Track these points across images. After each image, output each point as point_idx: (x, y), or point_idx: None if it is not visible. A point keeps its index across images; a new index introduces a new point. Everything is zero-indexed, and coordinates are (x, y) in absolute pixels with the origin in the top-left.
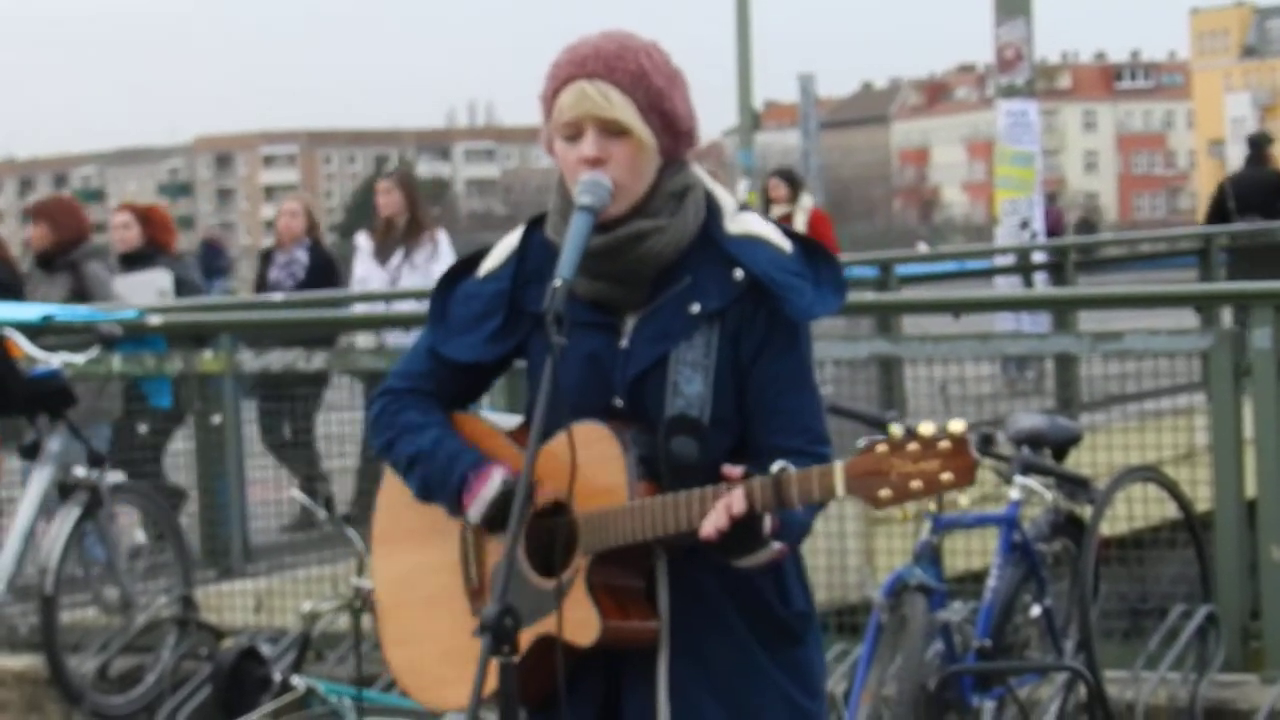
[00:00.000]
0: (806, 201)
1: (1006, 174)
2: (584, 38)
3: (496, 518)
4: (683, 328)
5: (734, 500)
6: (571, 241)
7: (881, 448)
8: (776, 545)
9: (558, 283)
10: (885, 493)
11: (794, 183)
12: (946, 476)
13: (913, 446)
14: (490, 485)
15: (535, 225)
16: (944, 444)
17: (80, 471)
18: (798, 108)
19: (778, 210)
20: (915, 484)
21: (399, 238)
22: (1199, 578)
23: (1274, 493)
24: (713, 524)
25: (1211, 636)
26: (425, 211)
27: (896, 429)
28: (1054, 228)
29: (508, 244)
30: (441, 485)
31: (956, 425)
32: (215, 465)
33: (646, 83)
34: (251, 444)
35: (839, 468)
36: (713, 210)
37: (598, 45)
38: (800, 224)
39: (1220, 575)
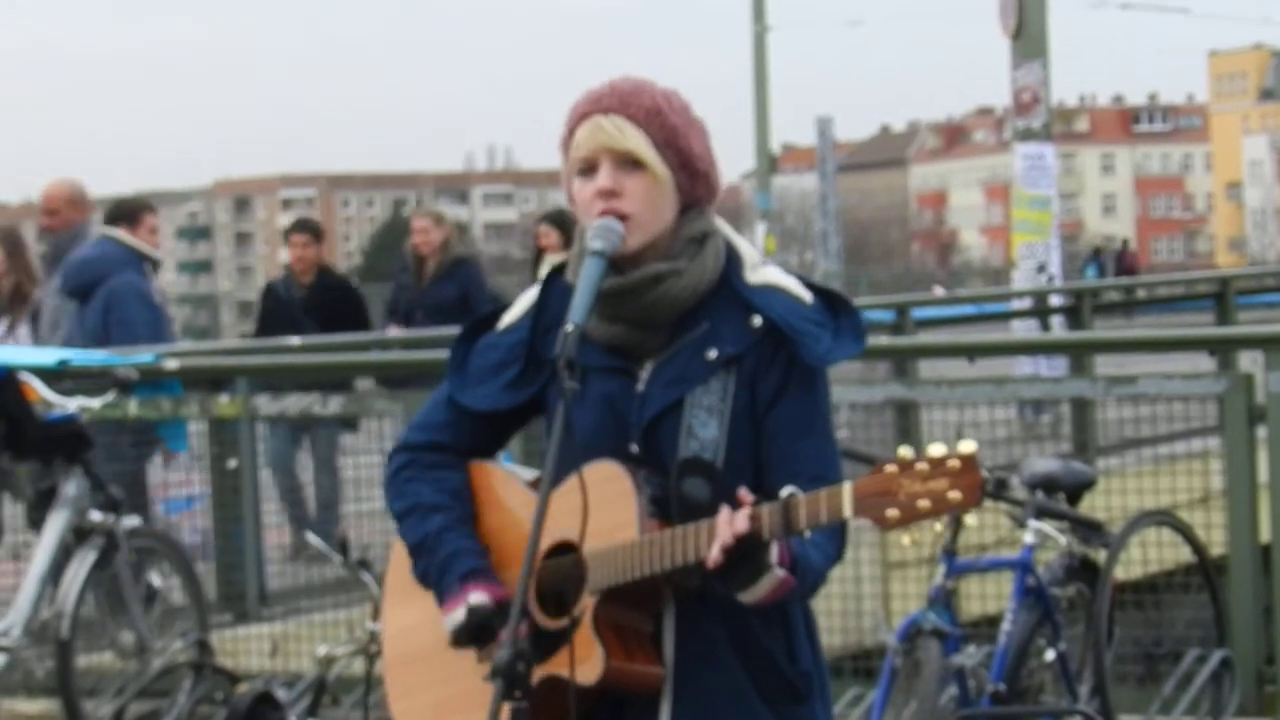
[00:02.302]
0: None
1: (1023, 217)
2: (599, 82)
3: (462, 642)
4: (699, 372)
5: (738, 519)
6: (583, 287)
7: (890, 468)
8: (780, 573)
9: (569, 328)
10: (893, 512)
11: (565, 229)
12: (954, 495)
13: (921, 466)
14: (456, 612)
15: (557, 273)
16: (952, 463)
17: (96, 516)
18: (815, 151)
19: (551, 259)
20: (923, 503)
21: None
22: (1213, 622)
23: None
24: (718, 544)
25: (1226, 681)
26: (32, 275)
27: (905, 450)
28: (1130, 268)
29: (529, 296)
30: (436, 584)
31: (966, 445)
32: (232, 509)
33: (662, 119)
34: (268, 488)
35: (847, 487)
36: (734, 260)
37: (614, 83)
38: None
39: (1235, 620)
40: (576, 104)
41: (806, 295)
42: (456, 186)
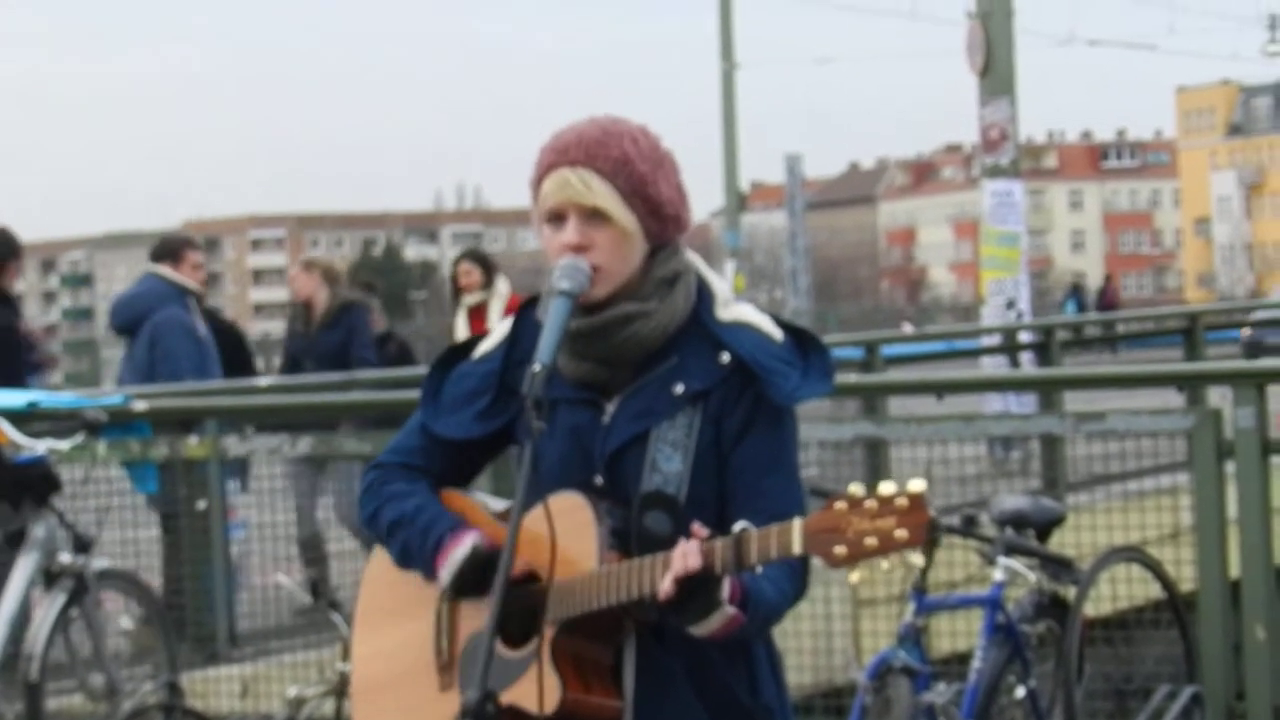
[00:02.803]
0: (503, 287)
1: (992, 254)
2: (570, 125)
3: (466, 580)
4: (665, 407)
5: (690, 553)
6: (550, 326)
7: (840, 505)
8: (730, 610)
9: (535, 368)
10: (840, 550)
11: (487, 267)
12: (901, 534)
13: (870, 504)
14: (461, 547)
15: (529, 307)
16: (900, 501)
17: (65, 558)
18: (784, 188)
19: (471, 299)
20: (870, 541)
21: None
22: (1184, 658)
23: (1258, 572)
24: (670, 577)
25: (1197, 717)
26: None
27: (856, 487)
28: (1112, 303)
29: (503, 328)
30: (419, 548)
31: (915, 484)
32: (201, 550)
33: (629, 169)
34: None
35: (797, 524)
36: (704, 297)
37: (581, 132)
38: (497, 312)
39: (1205, 655)
40: (544, 152)
41: (777, 333)
42: (426, 226)
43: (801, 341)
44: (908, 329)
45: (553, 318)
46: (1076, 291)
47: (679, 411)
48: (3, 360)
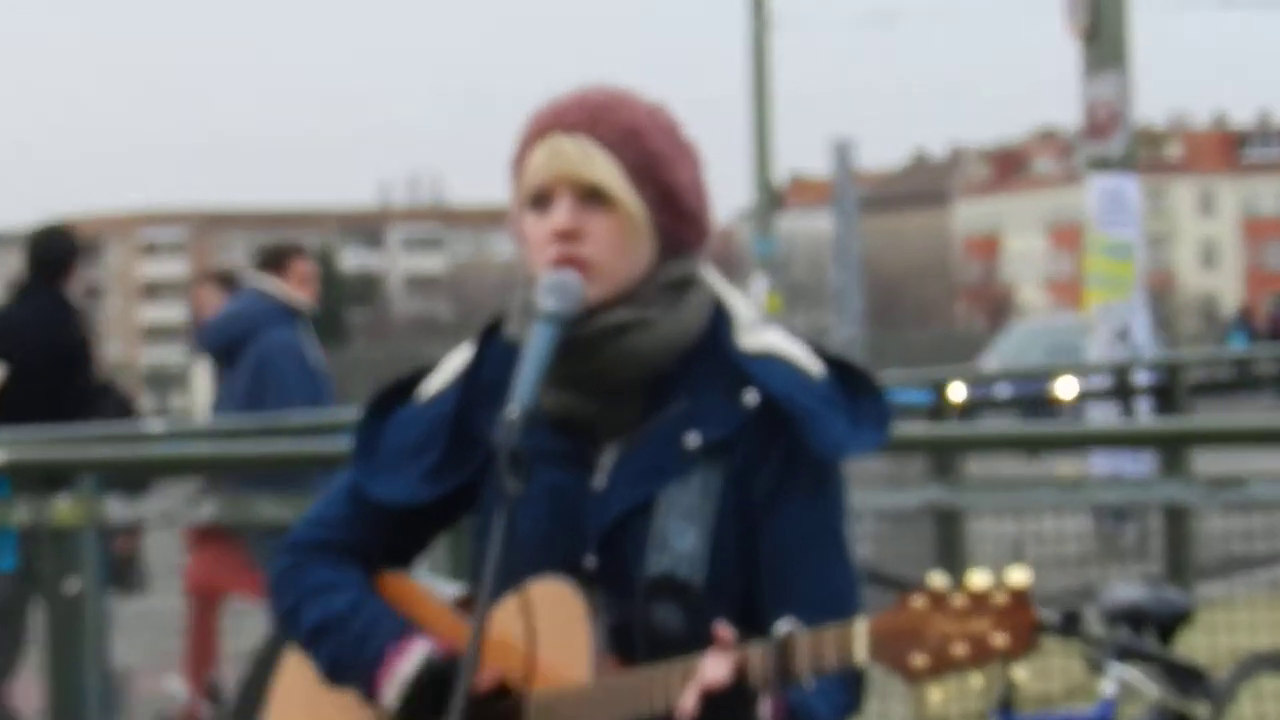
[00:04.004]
0: None
1: (1099, 269)
2: (567, 90)
3: (418, 702)
4: (675, 464)
5: (717, 667)
6: (531, 359)
7: (918, 602)
8: None
9: (513, 412)
10: (920, 659)
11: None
12: (1000, 640)
13: (959, 602)
14: (409, 660)
15: (493, 331)
16: (999, 598)
17: None
18: (831, 183)
19: None
20: (959, 649)
21: None
22: None
23: None
24: (692, 694)
25: None
26: None
27: (939, 579)
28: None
29: (457, 360)
30: (353, 660)
31: (1016, 575)
32: (72, 645)
33: (641, 142)
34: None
35: (861, 626)
36: (724, 319)
37: (583, 95)
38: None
39: None
40: (535, 116)
41: (816, 367)
42: (369, 227)
43: (848, 378)
44: (991, 365)
45: (535, 347)
46: (1245, 319)
47: (693, 469)
48: (67, 382)
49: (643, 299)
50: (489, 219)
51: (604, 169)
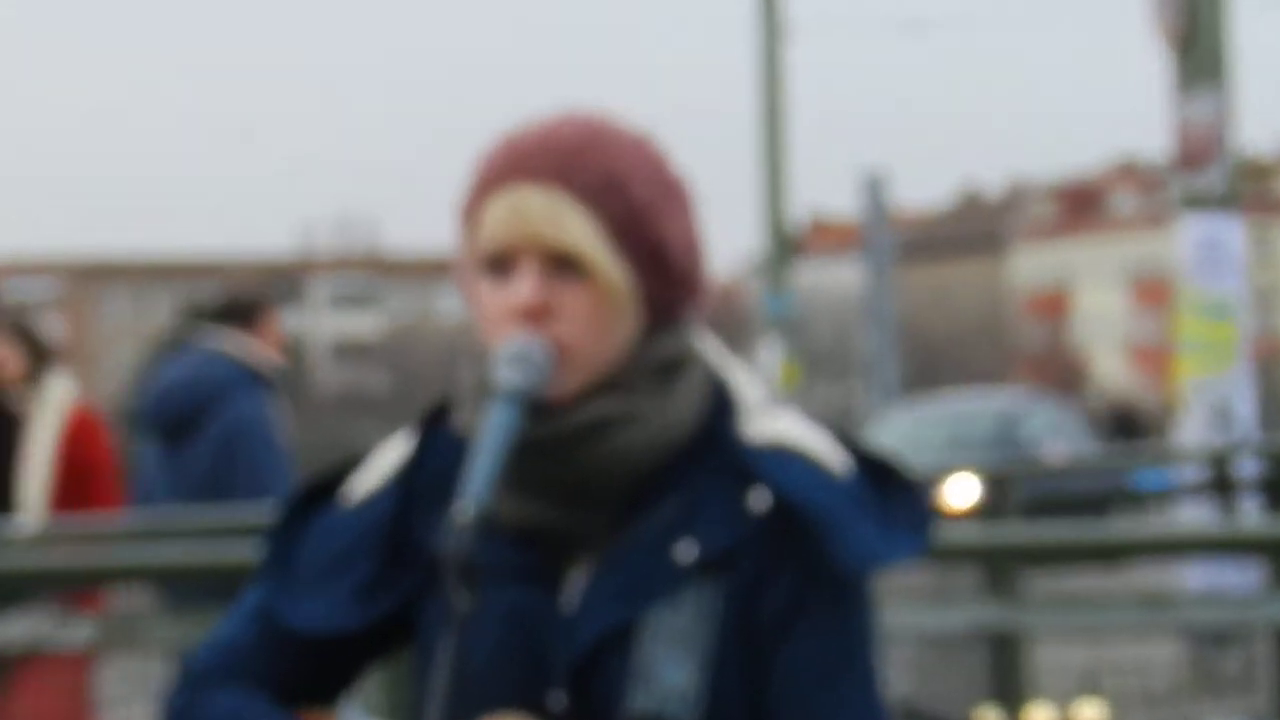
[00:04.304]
0: (60, 390)
1: (1195, 332)
2: (532, 121)
3: None
4: (664, 581)
5: None
6: (487, 446)
7: None
8: None
9: (464, 512)
10: None
11: (39, 351)
12: None
13: None
14: None
15: (437, 419)
16: None
17: None
18: (860, 226)
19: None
20: None
21: None
22: None
23: None
24: None
25: None
26: None
27: (992, 717)
28: None
29: (393, 454)
30: None
31: (1090, 713)
32: None
33: (625, 193)
34: None
35: None
36: (724, 402)
37: (552, 132)
38: (44, 437)
39: None
40: (491, 157)
41: (839, 460)
42: (287, 279)
43: (880, 474)
44: (1058, 451)
45: (491, 435)
46: None
47: (685, 587)
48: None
49: (626, 386)
50: (434, 270)
51: (578, 231)
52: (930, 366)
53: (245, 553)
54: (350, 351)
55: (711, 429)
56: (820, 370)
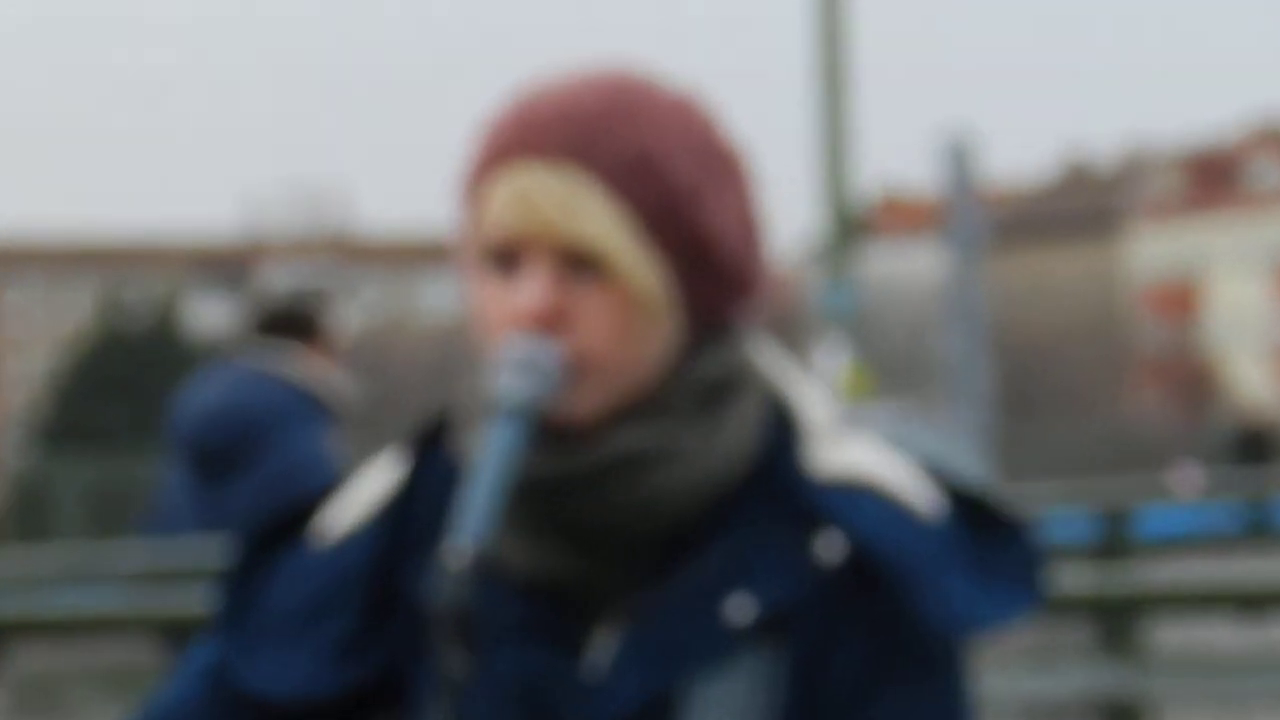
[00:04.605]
0: None
1: None
2: (548, 82)
3: None
4: (712, 643)
5: None
6: (486, 474)
7: None
8: None
9: (458, 552)
10: None
11: None
12: None
13: None
14: None
15: (433, 437)
16: None
17: None
18: (941, 203)
19: None
20: None
21: None
22: None
23: None
24: None
25: None
26: None
27: None
28: None
29: (376, 483)
30: None
31: None
32: None
33: (660, 174)
34: None
35: None
36: (785, 427)
37: (570, 98)
38: None
39: None
40: (495, 127)
41: (926, 496)
42: (231, 265)
43: (977, 515)
44: (1187, 479)
45: (492, 459)
46: None
47: (738, 651)
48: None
49: (663, 411)
50: (418, 257)
51: (600, 222)
52: (1028, 373)
53: (189, 602)
54: None
55: (770, 461)
56: (892, 378)
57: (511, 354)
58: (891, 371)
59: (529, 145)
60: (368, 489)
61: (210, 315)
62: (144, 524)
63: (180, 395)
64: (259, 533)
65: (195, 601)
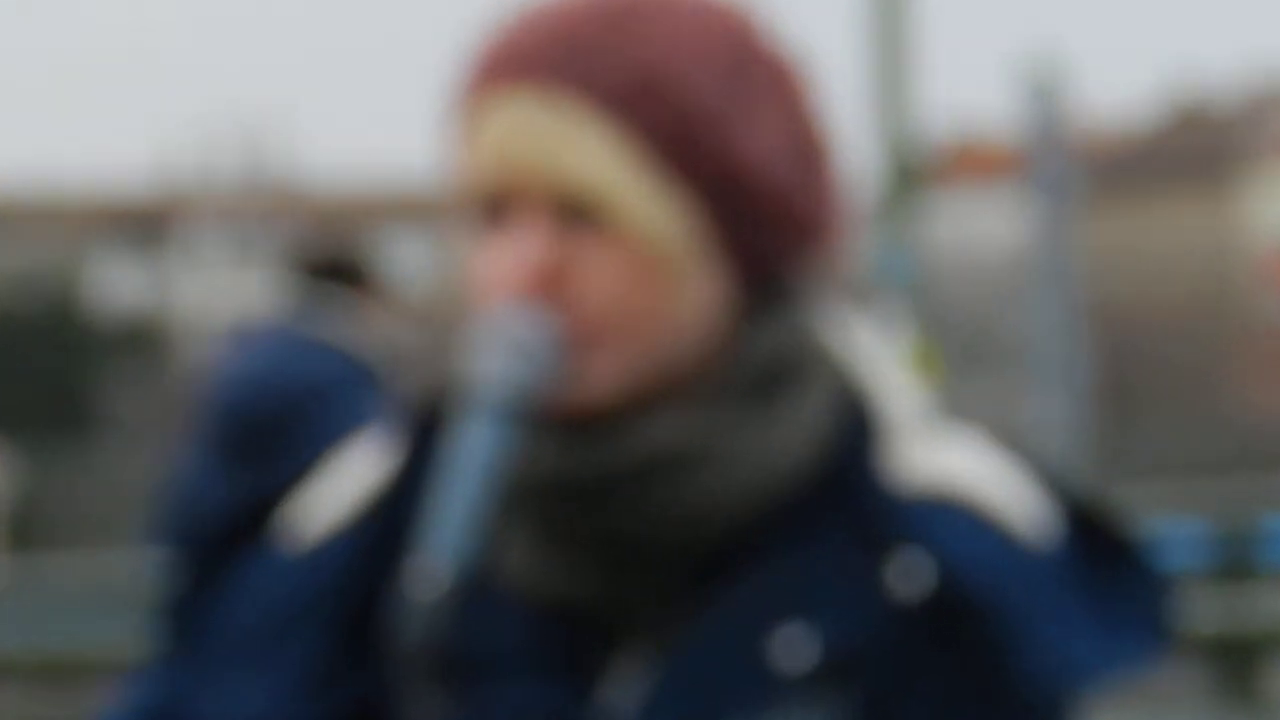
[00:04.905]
0: None
1: None
2: None
3: None
4: (761, 685)
5: None
6: (464, 483)
7: None
8: None
9: (433, 577)
10: None
11: None
12: None
13: None
14: None
15: (434, 415)
16: None
17: None
18: (1023, 150)
19: None
20: None
21: None
22: None
23: None
24: None
25: None
26: None
27: None
28: None
29: (361, 470)
30: None
31: None
32: None
33: (671, 94)
34: None
35: None
36: (863, 422)
37: (562, 10)
38: None
39: None
40: (477, 51)
41: (1035, 513)
42: (144, 226)
43: (1093, 534)
44: None
45: (471, 462)
46: None
47: (792, 696)
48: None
49: (705, 396)
50: (380, 211)
51: (599, 158)
52: (1127, 356)
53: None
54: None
55: (839, 464)
56: (968, 360)
57: (493, 330)
58: (961, 351)
59: (515, 69)
60: (351, 480)
61: (119, 286)
62: (159, 514)
63: (209, 362)
64: (211, 539)
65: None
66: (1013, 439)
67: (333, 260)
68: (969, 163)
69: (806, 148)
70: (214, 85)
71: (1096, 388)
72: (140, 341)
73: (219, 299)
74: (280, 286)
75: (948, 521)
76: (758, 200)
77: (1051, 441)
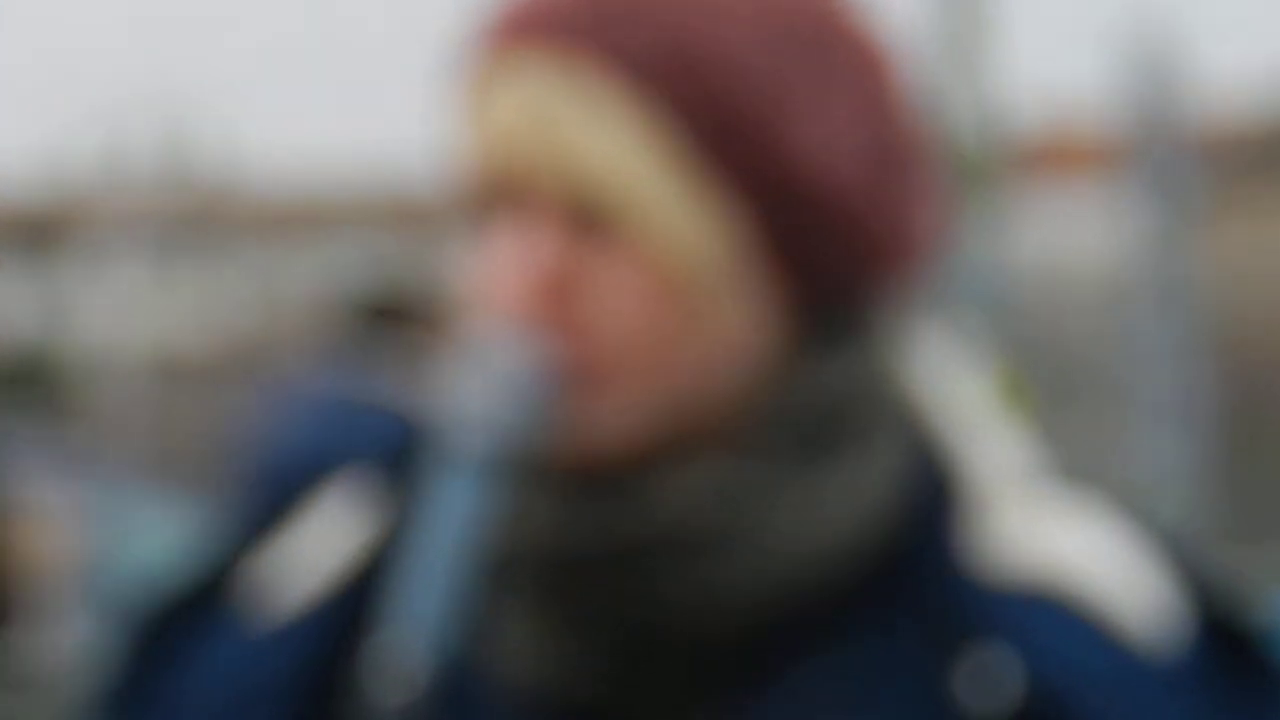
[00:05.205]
0: None
1: None
2: None
3: None
4: None
5: None
6: (439, 552)
7: None
8: None
9: (402, 672)
10: None
11: None
12: None
13: None
14: None
15: (420, 464)
16: None
17: None
18: (1130, 140)
19: None
20: None
21: None
22: None
23: None
24: None
25: None
26: None
27: None
28: None
29: (342, 525)
30: None
31: None
32: None
33: (715, 70)
34: None
35: None
36: (944, 486)
37: None
38: None
39: None
40: (487, 16)
41: (1153, 612)
42: (41, 233)
43: (1232, 640)
44: None
45: (448, 524)
46: None
47: None
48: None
49: (746, 448)
50: (332, 217)
51: (620, 146)
52: (1259, 378)
53: None
54: (162, 366)
55: (912, 538)
56: (1054, 390)
57: (479, 360)
58: (1049, 382)
59: (528, 31)
60: (329, 539)
61: (3, 307)
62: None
63: (258, 432)
64: (162, 597)
65: None
66: (1130, 502)
67: (391, 299)
68: (1060, 154)
69: (887, 147)
70: (122, 60)
71: (1219, 426)
72: (39, 373)
73: (129, 323)
74: (337, 328)
75: (1043, 618)
76: (819, 208)
77: (1163, 494)
